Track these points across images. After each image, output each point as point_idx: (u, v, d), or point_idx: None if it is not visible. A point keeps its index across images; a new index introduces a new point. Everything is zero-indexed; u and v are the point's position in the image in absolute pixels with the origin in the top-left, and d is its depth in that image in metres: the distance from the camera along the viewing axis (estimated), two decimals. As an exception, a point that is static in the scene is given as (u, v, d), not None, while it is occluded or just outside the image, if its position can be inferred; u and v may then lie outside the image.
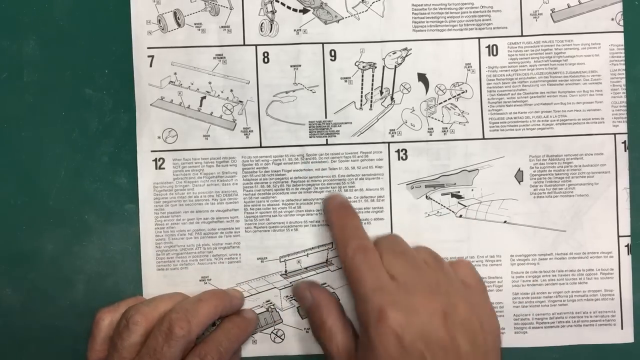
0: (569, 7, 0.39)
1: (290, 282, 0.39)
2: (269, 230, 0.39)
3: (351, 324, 0.37)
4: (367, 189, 0.39)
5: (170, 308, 0.35)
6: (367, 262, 0.34)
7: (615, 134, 0.39)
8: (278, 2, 0.39)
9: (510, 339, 0.39)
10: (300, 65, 0.39)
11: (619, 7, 0.39)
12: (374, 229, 0.39)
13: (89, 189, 0.39)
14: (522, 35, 0.39)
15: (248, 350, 0.39)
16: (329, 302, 0.37)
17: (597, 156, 0.39)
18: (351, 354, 0.34)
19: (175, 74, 0.39)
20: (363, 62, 0.39)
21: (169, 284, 0.39)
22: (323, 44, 0.39)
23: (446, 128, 0.39)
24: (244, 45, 0.39)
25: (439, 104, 0.39)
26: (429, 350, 0.31)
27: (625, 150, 0.39)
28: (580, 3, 0.39)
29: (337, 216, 0.37)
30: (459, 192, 0.39)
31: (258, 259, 0.39)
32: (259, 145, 0.39)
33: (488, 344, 0.33)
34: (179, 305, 0.35)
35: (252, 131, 0.39)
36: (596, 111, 0.39)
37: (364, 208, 0.39)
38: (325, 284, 0.39)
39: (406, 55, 0.39)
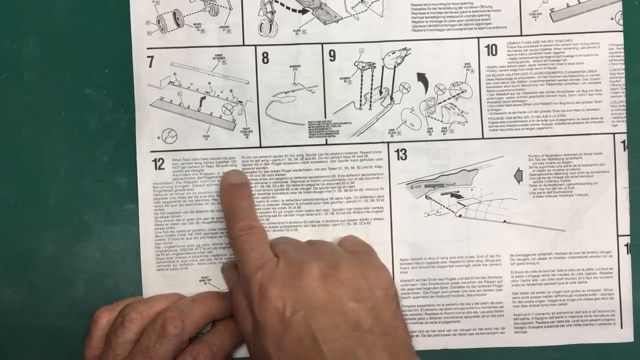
0: (568, 6, 0.39)
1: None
2: (269, 230, 0.39)
3: None
4: (367, 189, 0.39)
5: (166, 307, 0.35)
6: (251, 241, 0.34)
7: (614, 134, 0.39)
8: (277, 2, 0.39)
9: (510, 339, 0.39)
10: (299, 66, 0.39)
11: (618, 6, 0.39)
12: (374, 229, 0.39)
13: (89, 189, 0.39)
14: (521, 35, 0.39)
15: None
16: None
17: (596, 156, 0.39)
18: None
19: (174, 74, 0.39)
20: (362, 62, 0.39)
21: (169, 284, 0.39)
22: (322, 44, 0.39)
23: (445, 128, 0.39)
24: (244, 45, 0.39)
25: (439, 103, 0.39)
26: (311, 315, 0.31)
27: (624, 150, 0.39)
28: (579, 2, 0.39)
29: (228, 196, 0.37)
30: (458, 191, 0.39)
31: (258, 258, 0.39)
32: (258, 146, 0.39)
33: (377, 297, 0.32)
34: (174, 305, 0.35)
35: (251, 131, 0.39)
36: (595, 111, 0.39)
37: (364, 208, 0.39)
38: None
39: (405, 55, 0.39)
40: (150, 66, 0.39)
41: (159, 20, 0.39)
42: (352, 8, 0.39)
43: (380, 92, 0.39)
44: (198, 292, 0.38)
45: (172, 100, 0.39)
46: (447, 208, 0.39)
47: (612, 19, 0.39)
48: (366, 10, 0.39)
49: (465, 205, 0.39)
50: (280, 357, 0.31)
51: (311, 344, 0.30)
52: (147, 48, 0.39)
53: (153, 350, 0.32)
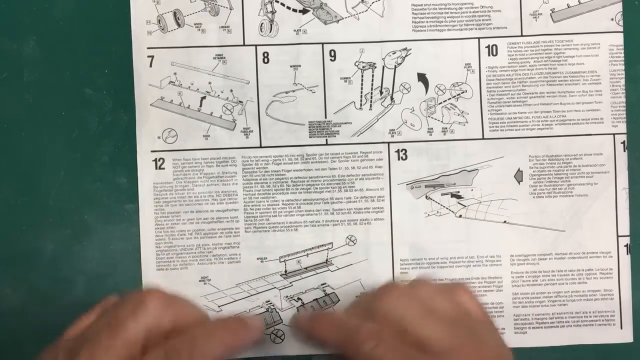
0: (568, 7, 0.39)
1: (290, 282, 0.39)
2: (268, 231, 0.39)
3: None
4: (367, 189, 0.39)
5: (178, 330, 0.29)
6: None
7: (614, 134, 0.39)
8: (278, 2, 0.39)
9: (510, 339, 0.39)
10: (300, 66, 0.39)
11: (618, 7, 0.39)
12: (374, 229, 0.39)
13: (89, 189, 0.39)
14: (521, 35, 0.39)
15: (248, 350, 0.39)
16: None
17: (596, 156, 0.39)
18: None
19: (175, 74, 0.39)
20: (363, 62, 0.39)
21: (169, 284, 0.39)
22: (323, 44, 0.39)
23: (446, 128, 0.39)
24: (244, 45, 0.39)
25: (439, 104, 0.39)
26: None
27: (624, 151, 0.39)
28: (580, 3, 0.39)
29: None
30: (458, 192, 0.39)
31: (258, 259, 0.39)
32: (258, 145, 0.39)
33: None
34: (187, 336, 0.28)
35: (252, 131, 0.39)
36: (595, 111, 0.39)
37: (364, 208, 0.39)
38: (325, 284, 0.39)
39: (406, 55, 0.39)
40: (150, 66, 0.39)
41: (159, 20, 0.39)
42: (352, 8, 0.39)
43: (381, 92, 0.39)
44: (200, 293, 0.37)
45: (172, 100, 0.39)
46: (447, 208, 0.39)
47: (612, 19, 0.39)
48: (367, 10, 0.39)
49: (465, 206, 0.39)
50: None
51: None
52: (148, 48, 0.39)
53: None
